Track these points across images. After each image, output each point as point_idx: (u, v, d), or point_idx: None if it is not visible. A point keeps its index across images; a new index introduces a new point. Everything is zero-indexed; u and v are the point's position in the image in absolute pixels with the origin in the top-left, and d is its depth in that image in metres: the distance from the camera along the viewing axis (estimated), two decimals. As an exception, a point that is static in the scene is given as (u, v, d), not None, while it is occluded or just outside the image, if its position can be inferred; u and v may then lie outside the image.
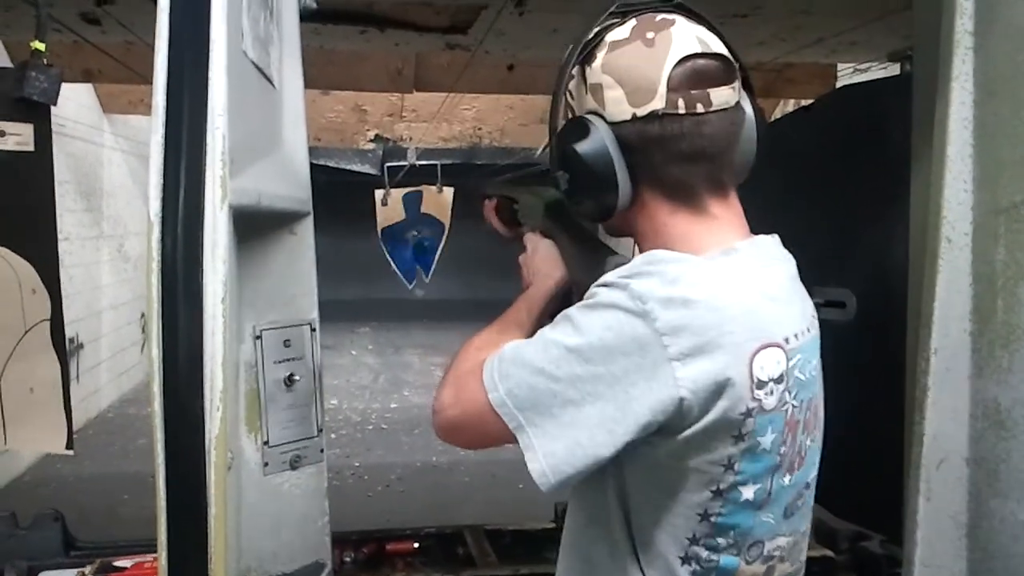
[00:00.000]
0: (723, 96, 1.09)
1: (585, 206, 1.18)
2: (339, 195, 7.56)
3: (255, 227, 1.32)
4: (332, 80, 4.28)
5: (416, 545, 2.67)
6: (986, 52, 1.39)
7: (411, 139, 7.11)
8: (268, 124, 1.38)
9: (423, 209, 6.65)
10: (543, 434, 1.02)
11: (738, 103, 1.12)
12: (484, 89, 4.87)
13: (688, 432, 1.02)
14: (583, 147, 1.11)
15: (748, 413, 1.03)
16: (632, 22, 1.12)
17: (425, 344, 11.28)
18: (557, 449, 1.02)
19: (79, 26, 2.81)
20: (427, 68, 4.28)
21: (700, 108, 1.07)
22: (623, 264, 1.09)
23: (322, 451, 1.48)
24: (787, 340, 1.07)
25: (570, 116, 1.18)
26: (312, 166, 1.50)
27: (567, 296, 1.34)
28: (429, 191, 6.69)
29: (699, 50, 1.08)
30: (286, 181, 1.40)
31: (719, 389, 1.01)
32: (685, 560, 1.09)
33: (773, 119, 4.65)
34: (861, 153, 2.09)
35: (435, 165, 7.11)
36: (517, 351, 1.07)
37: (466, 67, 3.80)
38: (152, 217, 1.06)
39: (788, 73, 4.23)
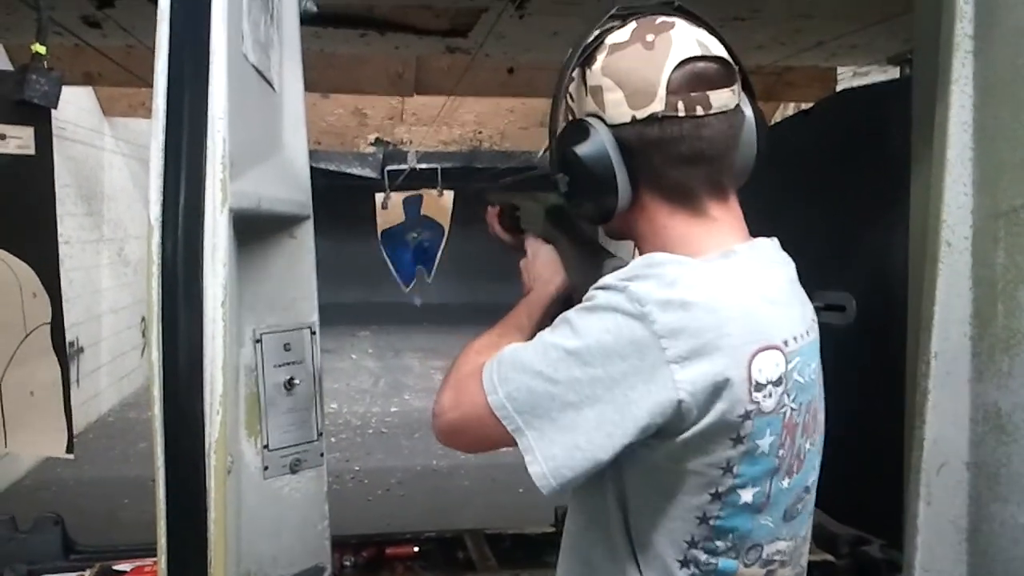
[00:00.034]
0: (723, 99, 1.09)
1: (585, 208, 1.18)
2: (339, 199, 7.56)
3: (255, 231, 1.32)
4: (332, 83, 4.29)
5: (416, 549, 2.67)
6: (986, 55, 1.39)
7: (411, 142, 7.12)
8: (268, 127, 1.38)
9: (423, 212, 6.66)
10: (542, 437, 1.03)
11: (738, 106, 1.13)
12: (484, 92, 4.87)
13: (687, 434, 1.02)
14: (583, 149, 1.12)
15: (746, 415, 1.03)
16: (632, 25, 1.12)
17: (425, 348, 11.28)
18: (556, 452, 1.02)
19: (80, 29, 2.82)
20: (427, 71, 4.29)
21: (699, 111, 1.08)
22: (622, 267, 1.09)
23: (322, 455, 1.48)
24: (786, 343, 1.07)
25: (570, 118, 1.18)
26: (312, 169, 1.50)
27: (568, 301, 1.34)
28: (429, 195, 6.70)
29: (699, 53, 1.08)
30: (286, 184, 1.40)
31: (717, 391, 1.01)
32: (684, 563, 1.09)
33: (773, 122, 4.65)
34: (861, 157, 2.09)
35: (435, 169, 7.12)
36: (516, 354, 1.07)
37: (466, 70, 3.81)
38: (152, 220, 1.06)
39: (788, 76, 4.23)
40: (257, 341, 1.38)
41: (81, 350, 6.93)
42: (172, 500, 1.06)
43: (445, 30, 2.89)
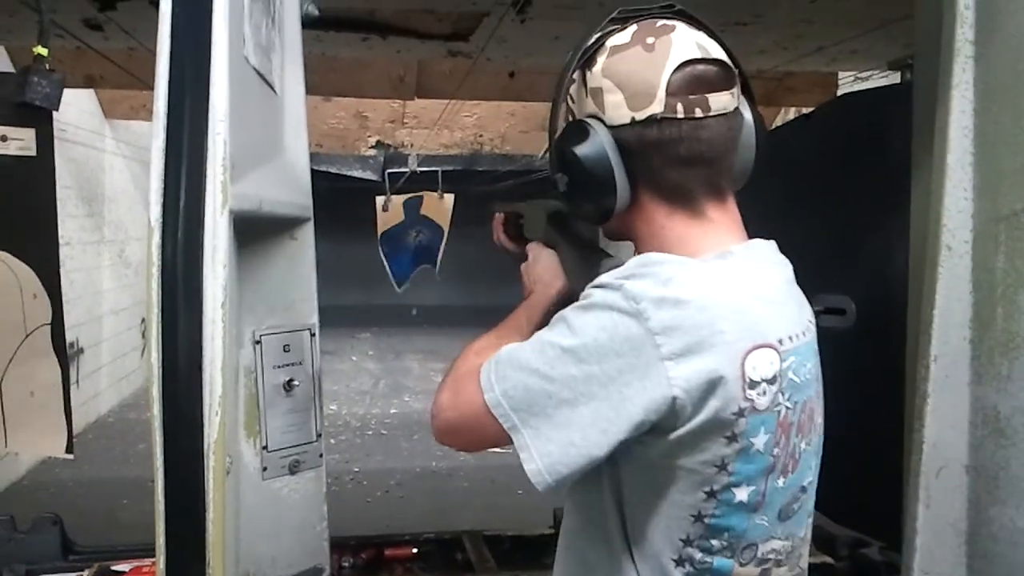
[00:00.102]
0: (722, 101, 1.10)
1: (583, 208, 1.19)
2: (340, 201, 7.57)
3: (256, 232, 1.32)
4: (334, 87, 4.30)
5: (415, 550, 2.67)
6: (987, 61, 1.39)
7: (412, 145, 7.12)
8: (269, 130, 1.39)
9: (423, 212, 6.68)
10: (538, 435, 1.03)
11: (737, 109, 1.13)
12: (485, 96, 4.88)
13: (681, 431, 1.03)
14: (582, 150, 1.12)
15: (740, 413, 1.03)
16: (633, 27, 1.13)
17: (425, 350, 11.28)
18: (552, 449, 1.03)
19: (82, 32, 2.82)
20: (429, 75, 4.30)
21: (698, 113, 1.08)
22: (619, 267, 1.09)
23: (321, 456, 1.48)
24: (780, 341, 1.08)
25: (570, 120, 1.19)
26: (313, 172, 1.51)
27: (567, 304, 1.34)
28: (430, 197, 6.71)
29: (699, 56, 1.09)
30: (287, 187, 1.40)
31: (711, 388, 1.01)
32: (679, 562, 1.09)
33: (774, 127, 4.66)
34: (862, 161, 2.09)
35: (436, 172, 7.12)
36: (513, 353, 1.08)
37: (468, 74, 3.81)
38: (152, 222, 1.06)
39: (789, 81, 4.23)
40: (257, 342, 1.38)
41: (81, 351, 6.93)
42: (171, 501, 1.06)
43: (447, 34, 2.90)
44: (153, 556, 1.08)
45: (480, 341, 1.23)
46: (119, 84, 4.14)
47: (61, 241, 2.22)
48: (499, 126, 6.73)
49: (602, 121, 1.13)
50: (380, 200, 6.66)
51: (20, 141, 1.99)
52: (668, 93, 1.07)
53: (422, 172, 7.46)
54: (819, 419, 1.18)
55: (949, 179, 1.41)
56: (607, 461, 1.06)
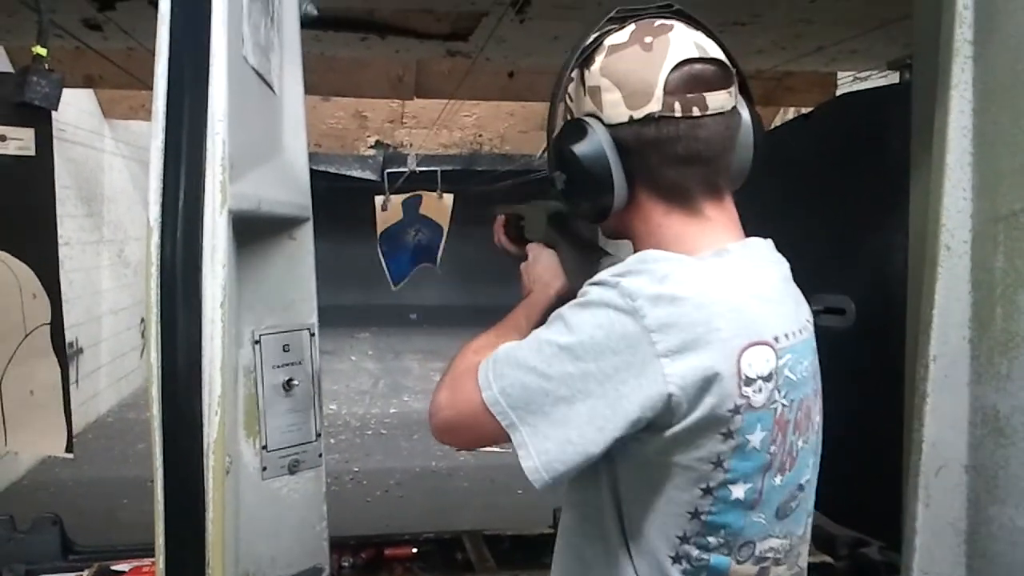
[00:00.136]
0: (719, 100, 1.10)
1: (581, 207, 1.19)
2: (339, 201, 7.58)
3: (255, 232, 1.32)
4: (333, 86, 4.29)
5: (415, 550, 2.67)
6: (985, 61, 1.39)
7: (411, 145, 7.13)
8: (268, 130, 1.39)
9: (422, 211, 6.68)
10: (536, 432, 1.04)
11: (735, 108, 1.14)
12: (485, 96, 4.88)
13: (677, 428, 1.03)
14: (580, 148, 1.13)
15: (736, 410, 1.04)
16: (631, 27, 1.13)
17: (425, 350, 11.28)
18: (550, 447, 1.03)
19: (81, 32, 2.82)
20: (428, 75, 4.29)
21: (696, 112, 1.09)
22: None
23: (320, 456, 1.48)
24: (777, 339, 1.08)
25: (569, 119, 1.19)
26: (312, 172, 1.51)
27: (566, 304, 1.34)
28: (429, 197, 6.70)
29: (696, 55, 1.10)
30: (286, 187, 1.40)
31: (706, 385, 1.02)
32: (676, 559, 1.09)
33: (773, 127, 4.66)
34: (861, 161, 2.09)
35: (435, 171, 7.12)
36: (510, 351, 1.08)
37: (467, 74, 3.81)
38: (152, 222, 1.06)
39: (788, 81, 4.23)
40: (256, 342, 1.38)
41: (81, 351, 6.93)
42: (170, 500, 1.06)
43: (446, 34, 2.90)
44: (153, 556, 1.08)
45: (478, 340, 1.23)
46: (118, 84, 4.14)
47: (60, 241, 2.22)
48: (498, 126, 6.74)
49: (600, 120, 1.13)
50: (379, 200, 6.66)
51: (19, 141, 1.99)
52: (666, 92, 1.08)
53: (421, 172, 7.45)
54: (817, 417, 1.18)
55: (948, 179, 1.41)
56: (604, 459, 1.06)
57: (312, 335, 1.47)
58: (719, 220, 1.14)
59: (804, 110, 4.01)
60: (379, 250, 6.70)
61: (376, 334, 12.72)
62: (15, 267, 2.05)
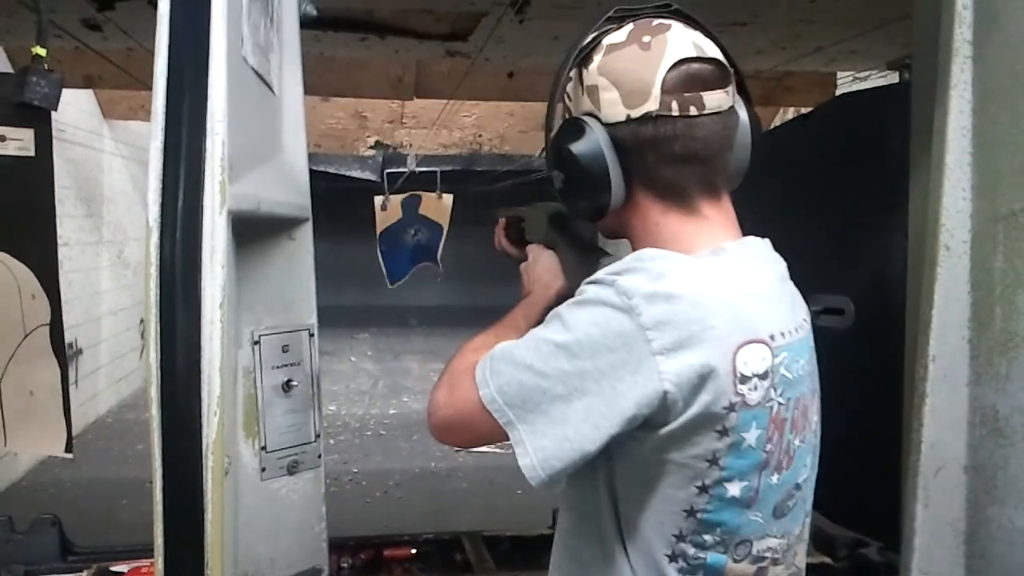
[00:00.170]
0: (716, 100, 1.11)
1: (579, 205, 1.20)
2: (339, 201, 7.58)
3: (254, 232, 1.32)
4: (332, 87, 4.29)
5: (414, 551, 2.66)
6: (985, 61, 1.39)
7: (411, 146, 7.12)
8: (268, 130, 1.39)
9: (421, 211, 6.69)
10: (532, 430, 1.04)
11: (732, 107, 1.14)
12: (484, 96, 4.88)
13: (672, 426, 1.03)
14: (578, 147, 1.14)
15: (731, 407, 1.04)
16: (629, 26, 1.14)
17: (424, 350, 11.28)
18: (546, 444, 1.04)
19: (80, 32, 2.82)
20: (427, 75, 4.29)
21: (693, 111, 1.09)
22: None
23: (320, 456, 1.48)
24: (772, 337, 1.08)
25: (567, 117, 1.20)
26: (312, 172, 1.51)
27: (566, 304, 1.34)
28: (428, 197, 6.71)
29: (694, 54, 1.10)
30: (285, 187, 1.40)
31: (702, 382, 1.02)
32: (672, 557, 1.10)
33: (773, 127, 4.66)
34: (860, 161, 2.09)
35: (435, 172, 7.12)
36: (508, 350, 1.09)
37: (466, 74, 3.81)
38: (151, 222, 1.06)
39: (787, 81, 4.23)
40: (255, 343, 1.38)
41: (80, 351, 6.93)
42: (169, 501, 1.06)
43: (445, 34, 2.90)
44: (152, 557, 1.08)
45: (477, 340, 1.23)
46: (118, 84, 4.14)
47: (60, 241, 2.22)
48: (498, 126, 6.74)
49: (598, 119, 1.14)
50: (379, 200, 6.66)
51: (19, 141, 1.99)
52: (663, 91, 1.08)
53: (421, 172, 7.46)
54: (815, 417, 1.19)
55: (947, 179, 1.41)
56: (601, 457, 1.07)
57: (311, 336, 1.47)
58: (716, 219, 1.15)
59: (804, 110, 4.01)
60: (378, 249, 6.71)
61: (375, 335, 12.72)
62: (14, 268, 2.05)
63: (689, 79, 1.09)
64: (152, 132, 1.07)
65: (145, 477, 1.09)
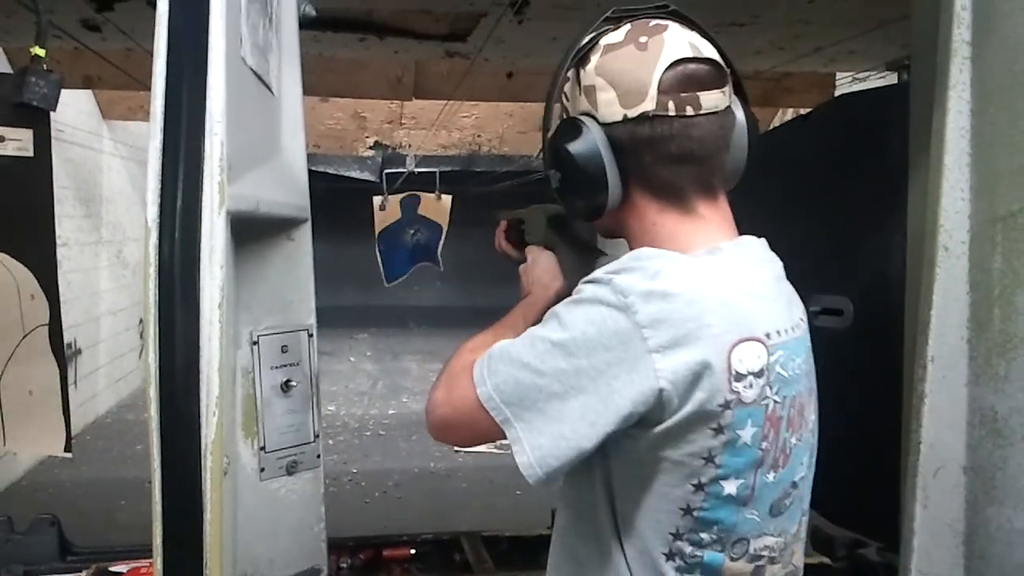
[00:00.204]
0: (713, 100, 1.11)
1: (576, 205, 1.21)
2: (338, 202, 7.57)
3: (253, 233, 1.32)
4: (331, 87, 4.29)
5: (413, 551, 2.66)
6: (983, 62, 1.39)
7: (410, 146, 7.13)
8: (267, 131, 1.39)
9: (420, 212, 6.69)
10: (529, 428, 1.05)
11: (729, 108, 1.15)
12: (483, 97, 4.88)
13: (668, 423, 1.04)
14: (575, 147, 1.14)
15: (726, 405, 1.05)
16: (626, 27, 1.15)
17: (423, 351, 11.28)
18: (543, 442, 1.04)
19: (79, 32, 2.82)
20: (426, 76, 4.29)
21: (690, 111, 1.10)
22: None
23: (319, 456, 1.48)
24: (768, 336, 1.09)
25: (564, 118, 1.20)
26: (311, 173, 1.51)
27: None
28: (427, 198, 6.71)
29: (690, 55, 1.11)
30: (284, 187, 1.40)
31: (697, 379, 1.03)
32: (669, 556, 1.10)
33: (772, 128, 4.66)
34: (859, 162, 2.09)
35: (434, 172, 7.13)
36: (505, 348, 1.09)
37: (465, 75, 3.81)
38: (149, 222, 1.06)
39: (786, 82, 4.24)
40: (254, 343, 1.38)
41: (79, 352, 6.92)
42: (168, 501, 1.06)
43: (444, 35, 2.90)
44: (151, 557, 1.08)
45: (475, 339, 1.24)
46: (117, 85, 4.14)
47: (59, 242, 2.22)
48: (497, 127, 6.74)
49: (595, 119, 1.14)
50: (377, 200, 6.67)
51: (17, 142, 1.99)
52: (660, 91, 1.09)
53: (420, 173, 7.46)
54: (812, 416, 1.19)
55: (946, 180, 1.41)
56: (598, 456, 1.08)
57: (310, 336, 1.47)
58: (713, 219, 1.15)
59: (803, 111, 4.01)
60: (376, 248, 6.72)
61: (375, 335, 12.71)
62: (13, 268, 2.05)
63: (685, 79, 1.10)
64: (151, 132, 1.07)
65: (144, 477, 1.09)
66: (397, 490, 5.90)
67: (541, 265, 1.44)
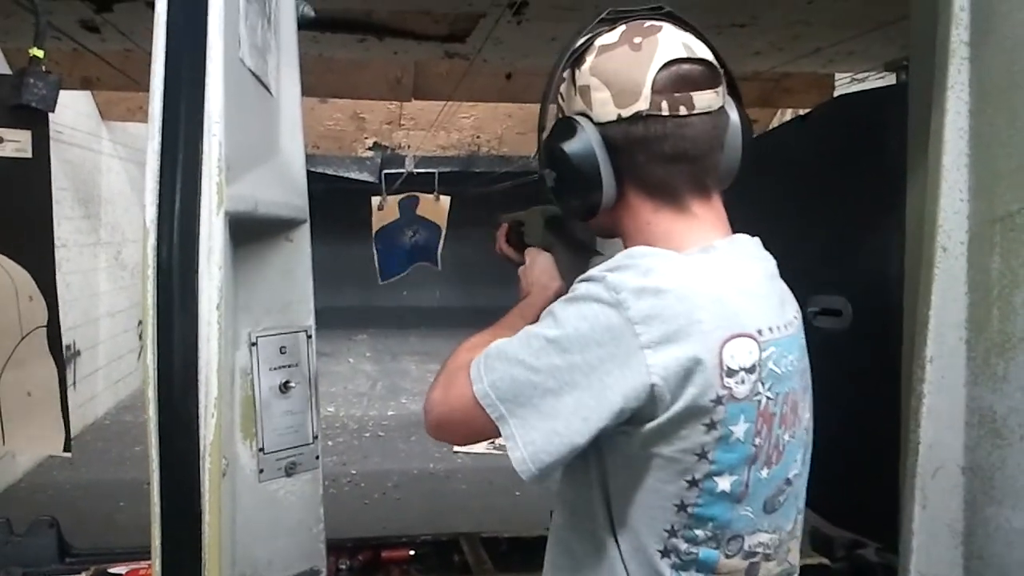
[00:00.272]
0: (706, 100, 1.12)
1: (571, 204, 1.22)
2: (337, 202, 7.57)
3: (252, 234, 1.32)
4: (331, 88, 4.30)
5: (412, 552, 2.66)
6: (982, 62, 1.39)
7: (409, 147, 7.13)
8: (265, 132, 1.39)
9: (419, 213, 6.70)
10: (523, 424, 1.06)
11: (722, 108, 1.16)
12: (482, 97, 4.89)
13: (661, 419, 1.04)
14: (570, 146, 1.15)
15: (718, 400, 1.05)
16: (621, 28, 1.16)
17: (423, 352, 11.27)
18: (536, 438, 1.05)
19: (78, 34, 2.82)
20: (426, 76, 4.30)
21: (683, 110, 1.11)
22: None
23: (317, 458, 1.48)
24: (760, 332, 1.09)
25: (560, 117, 1.21)
26: (310, 174, 1.51)
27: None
28: (426, 199, 6.72)
29: (684, 55, 1.12)
30: (283, 188, 1.40)
31: (688, 375, 1.03)
32: (664, 552, 1.11)
33: (771, 128, 4.66)
34: (858, 162, 2.09)
35: (433, 173, 7.13)
36: (501, 346, 1.10)
37: (464, 75, 3.81)
38: (148, 224, 1.06)
39: (786, 83, 4.24)
40: (253, 344, 1.38)
41: (78, 353, 6.92)
42: (167, 503, 1.06)
43: (443, 35, 2.90)
44: (150, 558, 1.08)
45: (474, 339, 1.25)
46: (116, 86, 4.15)
47: (57, 243, 2.22)
48: (496, 127, 6.74)
49: (590, 118, 1.15)
50: (376, 200, 6.67)
51: (16, 143, 1.99)
52: (653, 91, 1.10)
53: (419, 174, 7.46)
54: (806, 414, 1.20)
55: (945, 180, 1.41)
56: (593, 453, 1.09)
57: (309, 337, 1.47)
58: (706, 218, 1.16)
59: (802, 111, 4.02)
60: (374, 247, 6.72)
61: (374, 336, 12.71)
62: (11, 270, 2.05)
63: (679, 79, 1.11)
64: (149, 133, 1.08)
65: (143, 479, 1.09)
66: (396, 491, 5.90)
67: (539, 266, 1.45)
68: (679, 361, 1.03)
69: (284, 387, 1.41)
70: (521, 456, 1.05)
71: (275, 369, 1.41)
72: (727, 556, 1.12)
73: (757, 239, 1.21)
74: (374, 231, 6.69)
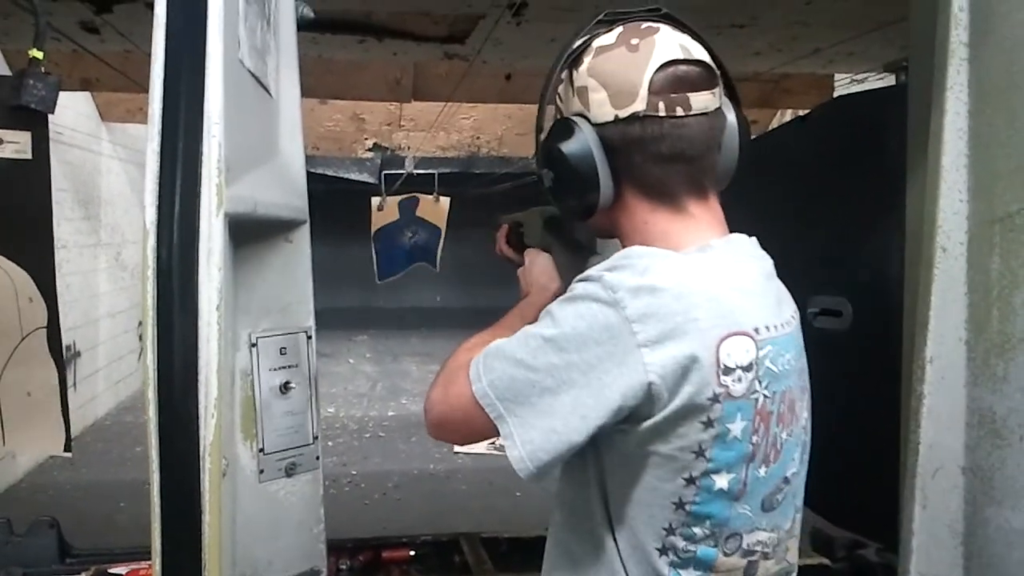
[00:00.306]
0: (703, 101, 1.13)
1: (569, 204, 1.22)
2: (337, 203, 7.56)
3: (251, 235, 1.32)
4: (330, 89, 4.30)
5: (412, 553, 2.66)
6: (981, 63, 1.39)
7: (409, 148, 7.13)
8: (265, 133, 1.39)
9: (418, 214, 6.70)
10: (522, 423, 1.06)
11: (719, 109, 1.17)
12: (482, 98, 4.89)
13: (658, 417, 1.05)
14: (567, 147, 1.16)
15: (715, 398, 1.06)
16: (619, 29, 1.17)
17: (423, 352, 11.27)
18: (534, 436, 1.05)
19: (78, 35, 2.82)
20: (425, 77, 4.30)
21: (680, 111, 1.11)
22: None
23: (318, 458, 1.48)
24: (757, 330, 1.10)
25: (558, 118, 1.21)
26: (310, 174, 1.51)
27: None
28: (426, 200, 6.72)
29: (681, 56, 1.12)
30: (283, 189, 1.40)
31: (685, 373, 1.04)
32: (663, 551, 1.11)
33: (770, 129, 4.66)
34: (858, 163, 2.09)
35: (433, 174, 7.13)
36: (500, 346, 1.11)
37: (464, 76, 3.81)
38: (148, 225, 1.06)
39: (785, 83, 4.25)
40: (253, 345, 1.38)
41: (78, 354, 6.92)
42: (167, 503, 1.06)
43: (443, 36, 2.90)
44: (150, 559, 1.08)
45: (473, 339, 1.25)
46: (115, 87, 4.15)
47: (57, 244, 2.22)
48: (496, 128, 6.75)
49: (587, 119, 1.16)
50: (375, 201, 6.68)
51: (16, 144, 1.99)
52: (650, 92, 1.11)
53: (419, 174, 7.46)
54: (804, 413, 1.20)
55: (944, 181, 1.42)
56: (591, 451, 1.09)
57: (309, 338, 1.47)
58: (703, 218, 1.17)
59: (801, 112, 4.02)
60: (373, 247, 6.73)
61: (374, 336, 12.71)
62: (11, 271, 2.05)
63: (676, 80, 1.11)
64: (149, 135, 1.08)
65: (144, 479, 1.09)
66: (396, 492, 5.90)
67: (539, 267, 1.46)
68: (676, 359, 1.03)
69: (284, 388, 1.41)
70: (519, 455, 1.05)
71: (275, 370, 1.41)
72: (725, 554, 1.13)
73: (754, 239, 1.21)
74: (373, 231, 6.70)
